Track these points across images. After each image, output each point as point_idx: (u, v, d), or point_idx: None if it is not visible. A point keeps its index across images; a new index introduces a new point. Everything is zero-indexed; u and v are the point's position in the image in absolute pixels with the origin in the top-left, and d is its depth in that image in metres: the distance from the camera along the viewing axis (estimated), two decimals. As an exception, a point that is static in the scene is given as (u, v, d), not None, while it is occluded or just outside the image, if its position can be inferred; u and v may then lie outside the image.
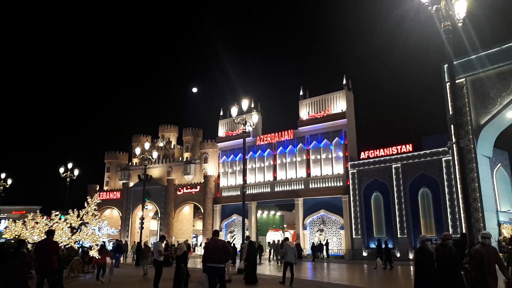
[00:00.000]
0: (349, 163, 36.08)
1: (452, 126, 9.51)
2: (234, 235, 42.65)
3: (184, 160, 50.48)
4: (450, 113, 25.94)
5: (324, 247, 34.90)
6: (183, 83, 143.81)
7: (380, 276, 20.48)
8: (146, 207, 37.45)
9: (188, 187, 47.81)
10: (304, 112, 40.40)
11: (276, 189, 40.95)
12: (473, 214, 27.08)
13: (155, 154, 30.30)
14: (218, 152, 47.02)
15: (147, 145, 31.86)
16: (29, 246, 17.57)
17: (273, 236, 43.30)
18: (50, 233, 11.14)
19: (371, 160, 34.73)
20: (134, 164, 54.45)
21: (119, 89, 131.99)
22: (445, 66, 27.09)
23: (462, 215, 27.54)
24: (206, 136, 51.57)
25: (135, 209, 50.27)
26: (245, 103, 19.89)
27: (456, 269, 7.70)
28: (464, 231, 20.85)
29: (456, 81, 28.24)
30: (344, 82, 38.87)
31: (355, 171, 35.49)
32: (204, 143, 48.93)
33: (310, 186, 38.41)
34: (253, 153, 43.18)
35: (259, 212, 44.15)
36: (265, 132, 43.60)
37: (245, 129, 19.81)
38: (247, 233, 41.14)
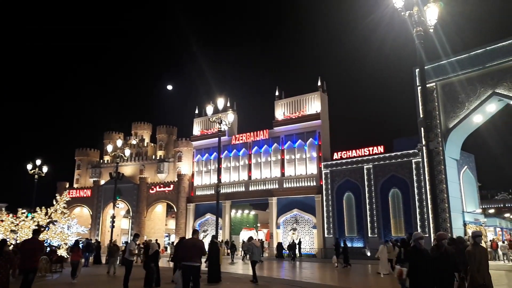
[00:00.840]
0: (322, 163, 36.56)
1: (422, 129, 9.76)
2: (207, 234, 42.45)
3: (158, 158, 49.83)
4: (421, 116, 26.73)
5: (297, 246, 35.25)
6: (158, 80, 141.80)
7: (342, 273, 21.12)
8: (117, 205, 36.74)
9: (161, 185, 47.22)
10: (280, 113, 40.63)
11: (250, 188, 41.02)
12: (440, 215, 27.98)
13: (127, 152, 29.74)
14: (193, 151, 46.65)
15: (119, 142, 31.25)
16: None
17: (247, 235, 43.36)
18: (37, 232, 11.04)
19: (343, 160, 35.30)
20: (105, 162, 53.30)
21: (91, 84, 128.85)
22: (417, 70, 27.83)
23: (430, 215, 28.38)
24: (181, 134, 51.13)
25: (106, 207, 49.24)
26: (220, 102, 19.81)
27: (454, 274, 7.07)
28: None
29: (427, 85, 29.21)
30: (319, 83, 39.34)
31: (328, 171, 35.99)
32: (179, 142, 48.44)
33: (284, 186, 38.69)
34: (228, 152, 43.09)
35: (233, 211, 44.10)
36: (241, 132, 43.59)
37: (221, 128, 19.74)
38: (220, 232, 41.11)
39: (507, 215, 57.18)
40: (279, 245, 35.88)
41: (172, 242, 38.88)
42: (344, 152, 35.67)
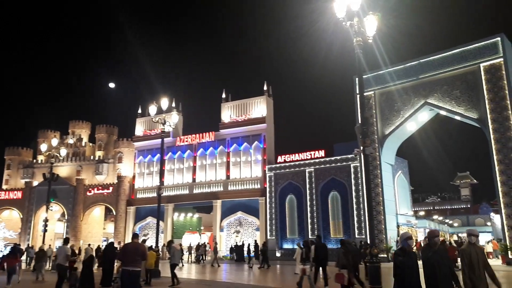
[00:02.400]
0: (267, 166, 37.03)
1: (358, 135, 10.21)
2: (148, 238, 41.26)
3: (97, 159, 47.64)
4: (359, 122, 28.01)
5: (246, 248, 35.05)
6: (99, 78, 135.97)
7: (259, 273, 21.68)
8: (50, 208, 34.54)
9: (100, 187, 45.19)
10: (226, 115, 40.61)
11: (194, 191, 40.51)
12: (376, 217, 29.45)
13: (63, 152, 28.13)
14: (135, 152, 45.20)
15: (54, 142, 29.46)
16: None
17: (190, 238, 42.75)
18: None
19: (287, 164, 36.01)
20: (39, 162, 50.02)
21: (25, 79, 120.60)
22: (357, 78, 29.10)
23: (367, 217, 29.72)
24: (123, 134, 49.36)
25: (39, 210, 46.14)
26: (164, 102, 19.39)
27: (451, 278, 6.10)
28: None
29: (366, 93, 30.77)
30: (265, 88, 39.86)
31: (272, 174, 36.52)
32: (120, 142, 46.70)
33: (229, 188, 38.66)
34: (172, 153, 42.29)
35: (176, 214, 43.31)
36: (186, 133, 42.98)
37: (164, 128, 19.33)
38: (161, 236, 40.15)
39: (435, 217, 61.50)
40: (240, 248, 34.45)
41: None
42: (288, 155, 36.41)
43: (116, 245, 26.19)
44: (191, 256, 34.15)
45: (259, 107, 39.39)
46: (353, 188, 31.81)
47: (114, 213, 44.50)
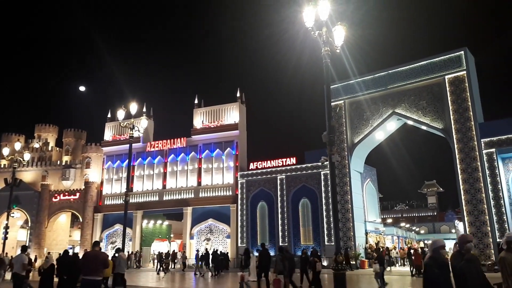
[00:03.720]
0: (239, 173, 36.94)
1: (326, 143, 10.34)
2: (115, 246, 40.25)
3: (63, 164, 46.18)
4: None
5: (211, 256, 34.73)
6: (67, 82, 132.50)
7: (207, 281, 21.82)
8: (12, 214, 33.15)
9: (66, 193, 43.78)
10: (199, 121, 40.32)
11: (165, 198, 39.87)
12: (345, 224, 29.86)
13: (27, 156, 27.12)
14: (103, 157, 44.12)
15: (18, 145, 28.31)
16: None
17: (159, 246, 41.99)
18: None
19: (259, 170, 36.05)
20: (1, 166, 47.98)
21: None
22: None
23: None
24: (91, 139, 48.09)
25: (0, 217, 44.19)
26: (134, 107, 19.02)
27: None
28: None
29: (336, 102, 31.31)
30: (238, 94, 39.89)
31: (244, 181, 36.45)
32: (88, 147, 45.49)
33: (200, 195, 38.28)
34: (142, 159, 41.56)
35: (145, 221, 42.45)
36: (157, 139, 42.38)
37: (133, 133, 18.95)
38: (130, 243, 39.23)
39: (403, 224, 62.95)
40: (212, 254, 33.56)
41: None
42: (260, 162, 36.47)
43: (81, 253, 25.40)
44: (160, 264, 33.45)
45: (232, 114, 39.33)
46: (323, 195, 32.13)
47: (81, 220, 43.19)
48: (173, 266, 33.47)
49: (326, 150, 10.50)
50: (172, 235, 48.82)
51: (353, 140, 31.49)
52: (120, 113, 18.98)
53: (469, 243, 5.51)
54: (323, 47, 10.93)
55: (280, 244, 32.97)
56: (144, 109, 39.55)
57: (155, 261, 34.56)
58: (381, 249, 29.04)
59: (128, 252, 36.16)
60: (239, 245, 35.15)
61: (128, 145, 19.64)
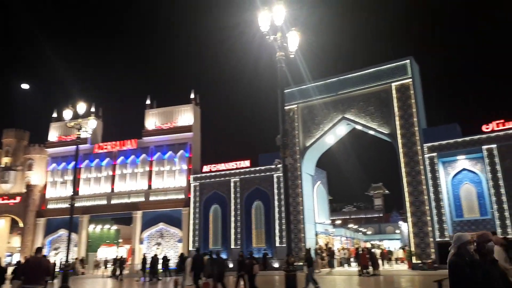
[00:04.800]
0: (192, 176, 36.46)
1: (279, 146, 10.49)
2: (59, 252, 38.29)
3: (3, 166, 43.24)
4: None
5: (161, 261, 33.99)
6: (9, 79, 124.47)
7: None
8: None
9: (5, 197, 41.02)
10: (151, 122, 39.37)
11: (113, 202, 38.49)
12: (296, 225, 30.38)
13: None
14: (47, 159, 41.85)
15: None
16: None
17: (106, 252, 40.43)
18: None
19: (212, 173, 35.81)
20: None
21: None
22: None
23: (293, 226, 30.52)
24: (35, 139, 45.44)
25: None
26: (82, 106, 18.21)
27: None
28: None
29: (290, 106, 31.85)
30: (192, 96, 39.43)
31: (197, 184, 36.04)
32: (31, 148, 42.99)
33: (151, 199, 37.34)
34: (90, 161, 39.89)
35: (92, 226, 40.75)
36: (106, 140, 40.87)
37: (80, 134, 18.14)
38: (75, 249, 37.43)
39: (351, 225, 65.07)
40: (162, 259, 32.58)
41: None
42: (214, 165, 36.23)
43: (22, 260, 23.91)
44: (120, 269, 32.25)
45: (186, 116, 38.80)
46: (276, 197, 32.50)
47: (22, 225, 40.60)
48: (121, 272, 32.33)
49: (280, 153, 10.65)
50: (120, 240, 47.21)
51: (305, 143, 32.17)
52: (67, 113, 18.10)
53: (490, 242, 4.89)
54: (278, 52, 11.09)
55: (232, 247, 33.00)
56: (93, 109, 37.96)
57: (102, 266, 33.21)
58: (319, 251, 29.89)
59: (73, 258, 34.47)
60: (190, 249, 34.65)
61: (74, 146, 18.78)
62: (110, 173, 39.30)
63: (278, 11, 10.82)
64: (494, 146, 25.23)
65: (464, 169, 26.88)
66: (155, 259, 27.10)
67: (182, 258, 16.44)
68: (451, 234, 25.77)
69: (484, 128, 25.97)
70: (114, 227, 45.90)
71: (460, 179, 26.96)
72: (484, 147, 25.52)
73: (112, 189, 38.85)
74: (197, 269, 14.82)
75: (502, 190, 24.55)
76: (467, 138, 26.29)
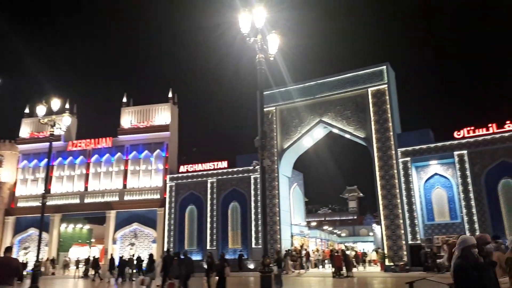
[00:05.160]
0: (168, 175, 36.09)
1: (258, 147, 10.54)
2: (28, 251, 37.17)
3: (-30, 162, 41.64)
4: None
5: (135, 261, 33.49)
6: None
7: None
8: None
9: (-28, 194, 39.50)
10: (127, 120, 38.74)
11: (86, 201, 37.68)
12: (272, 227, 30.52)
13: None
14: (18, 156, 40.58)
15: None
16: None
17: (78, 252, 39.48)
18: None
19: (189, 174, 35.55)
20: None
21: None
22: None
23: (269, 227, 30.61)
24: (5, 135, 44.02)
25: None
26: (56, 103, 17.72)
27: None
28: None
29: (268, 108, 31.98)
30: (170, 95, 39.04)
31: (174, 184, 35.71)
32: (0, 144, 41.55)
33: (125, 198, 36.74)
34: (63, 159, 38.93)
35: (64, 225, 39.76)
36: (80, 137, 39.99)
37: (53, 131, 17.66)
38: (45, 249, 36.43)
39: (326, 227, 65.81)
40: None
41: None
42: (191, 165, 35.98)
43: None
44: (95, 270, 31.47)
45: (163, 114, 38.38)
46: (253, 199, 32.55)
47: (-12, 224, 39.17)
48: (93, 273, 31.65)
49: (258, 154, 10.68)
50: (93, 240, 46.22)
51: (282, 145, 32.37)
52: (40, 109, 17.58)
53: (489, 244, 5.01)
54: (258, 54, 11.14)
55: (208, 248, 32.82)
56: (67, 106, 37.18)
57: (72, 266, 32.42)
58: (291, 252, 30.09)
59: (43, 258, 33.53)
60: (165, 250, 34.27)
61: (47, 143, 18.30)
62: (84, 171, 38.46)
63: (258, 13, 10.87)
64: (465, 152, 26.07)
65: (436, 174, 27.65)
66: (123, 260, 26.91)
67: (151, 258, 16.71)
68: (423, 237, 26.48)
69: (456, 134, 26.80)
70: (87, 227, 44.93)
71: (432, 184, 27.72)
72: (456, 153, 26.33)
73: (86, 187, 38.03)
74: (166, 269, 14.98)
75: (471, 195, 25.40)
76: (440, 144, 27.08)
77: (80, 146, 38.89)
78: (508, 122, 25.39)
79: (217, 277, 13.69)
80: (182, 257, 14.18)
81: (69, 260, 35.32)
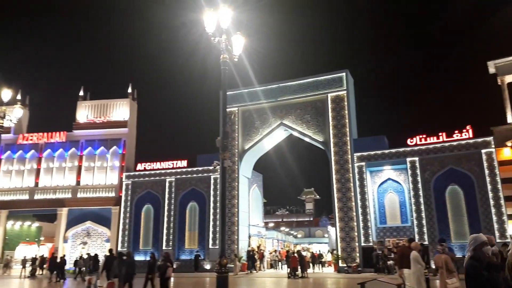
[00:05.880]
0: (124, 173, 35.17)
1: (219, 147, 10.55)
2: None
3: None
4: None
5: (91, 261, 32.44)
6: None
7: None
8: None
9: None
10: (83, 115, 37.40)
11: (36, 197, 35.96)
12: (230, 227, 30.53)
13: None
14: (-38, 147, 38.05)
15: None
16: None
17: (26, 250, 37.62)
18: None
19: (147, 172, 34.83)
20: None
21: None
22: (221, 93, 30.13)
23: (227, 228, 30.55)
24: None
25: None
26: (6, 93, 16.84)
27: None
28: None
29: (230, 109, 32.01)
30: (130, 90, 38.10)
31: (130, 182, 34.85)
32: None
33: (79, 196, 35.42)
34: (12, 152, 36.97)
35: (11, 222, 37.74)
36: (32, 131, 38.13)
37: (3, 123, 16.77)
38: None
39: (283, 228, 66.60)
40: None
41: None
42: (149, 163, 35.24)
43: None
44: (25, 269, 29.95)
45: (121, 110, 37.39)
46: (212, 199, 32.38)
47: None
48: (41, 273, 30.32)
49: (219, 154, 10.69)
50: (42, 238, 44.20)
51: (243, 146, 32.48)
52: (-11, 99, 16.65)
53: (494, 246, 4.92)
54: (222, 54, 11.16)
55: (164, 248, 32.32)
56: (19, 97, 35.29)
57: (14, 265, 30.87)
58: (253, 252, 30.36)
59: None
60: (119, 249, 33.37)
61: (-5, 135, 17.32)
62: (35, 166, 36.68)
63: (224, 14, 10.90)
64: (416, 158, 27.32)
65: (389, 179, 28.79)
66: (62, 259, 26.59)
67: (95, 258, 16.74)
68: (375, 239, 27.47)
69: (409, 141, 28.02)
70: (36, 224, 42.92)
71: (385, 188, 28.82)
72: (408, 159, 27.54)
73: (36, 183, 36.30)
74: (108, 269, 14.95)
75: (421, 200, 26.66)
76: (393, 150, 28.22)
77: (31, 140, 37.08)
78: (456, 131, 26.90)
79: (158, 278, 13.42)
80: (124, 257, 13.86)
81: (10, 259, 33.32)
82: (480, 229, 24.75)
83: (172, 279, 13.43)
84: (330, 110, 29.89)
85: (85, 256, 28.03)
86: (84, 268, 26.14)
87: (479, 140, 25.92)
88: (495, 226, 24.24)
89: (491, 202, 24.64)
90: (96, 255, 20.15)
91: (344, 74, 30.28)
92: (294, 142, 36.29)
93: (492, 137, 25.66)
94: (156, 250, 32.64)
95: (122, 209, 34.29)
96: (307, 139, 31.42)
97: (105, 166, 36.04)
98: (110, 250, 16.04)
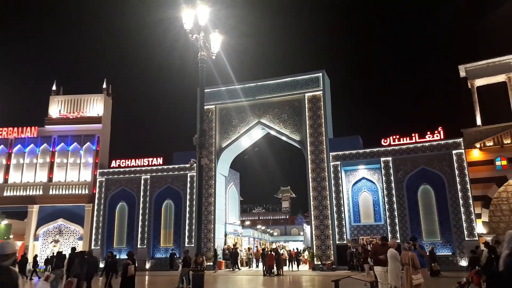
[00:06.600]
0: (98, 170, 34.49)
1: (196, 145, 10.51)
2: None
3: None
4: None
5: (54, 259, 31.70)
6: None
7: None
8: None
9: None
10: (55, 110, 36.41)
11: (5, 193, 34.84)
12: (206, 226, 30.44)
13: None
14: None
15: None
16: None
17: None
18: None
19: (121, 169, 34.27)
20: None
21: None
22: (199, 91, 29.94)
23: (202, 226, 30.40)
24: None
25: None
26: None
27: None
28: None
29: (208, 106, 31.86)
30: (104, 86, 37.36)
31: (104, 179, 34.21)
32: None
33: (51, 193, 34.51)
34: (-20, 148, 35.62)
35: (-23, 220, 36.34)
36: (2, 125, 36.81)
37: (-30, 117, 16.17)
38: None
39: (259, 226, 66.90)
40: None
41: None
42: (123, 160, 34.68)
43: None
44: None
45: (96, 106, 36.62)
46: (188, 197, 32.16)
47: None
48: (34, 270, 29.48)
49: (196, 152, 10.64)
50: (11, 236, 42.76)
51: (221, 144, 32.41)
52: (-45, 92, 16.00)
53: None
54: (200, 52, 11.09)
55: (138, 246, 31.94)
56: (-13, 90, 34.08)
57: None
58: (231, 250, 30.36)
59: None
60: (92, 247, 32.74)
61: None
62: (4, 162, 35.51)
63: (201, 11, 10.82)
64: (390, 158, 27.94)
65: (363, 178, 29.34)
66: (24, 258, 26.82)
67: (59, 256, 16.69)
68: (349, 237, 27.95)
69: (383, 142, 28.62)
70: (5, 222, 41.41)
71: (359, 187, 29.37)
72: (382, 159, 28.13)
73: (6, 179, 35.15)
74: (69, 268, 14.63)
75: (394, 199, 27.29)
76: (368, 150, 28.77)
77: (1, 135, 35.86)
78: (428, 132, 27.65)
79: (119, 277, 13.20)
80: (85, 256, 13.65)
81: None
82: (450, 228, 25.61)
83: (135, 278, 13.11)
84: (307, 109, 30.17)
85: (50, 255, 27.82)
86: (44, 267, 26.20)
87: (450, 141, 26.74)
88: (464, 224, 25.09)
89: (461, 201, 25.47)
90: (59, 252, 19.80)
91: (320, 74, 30.62)
92: (272, 140, 36.48)
93: (462, 139, 26.51)
94: (130, 248, 32.18)
95: (96, 207, 33.63)
96: (284, 138, 31.63)
97: (78, 163, 35.24)
98: (73, 249, 15.80)
